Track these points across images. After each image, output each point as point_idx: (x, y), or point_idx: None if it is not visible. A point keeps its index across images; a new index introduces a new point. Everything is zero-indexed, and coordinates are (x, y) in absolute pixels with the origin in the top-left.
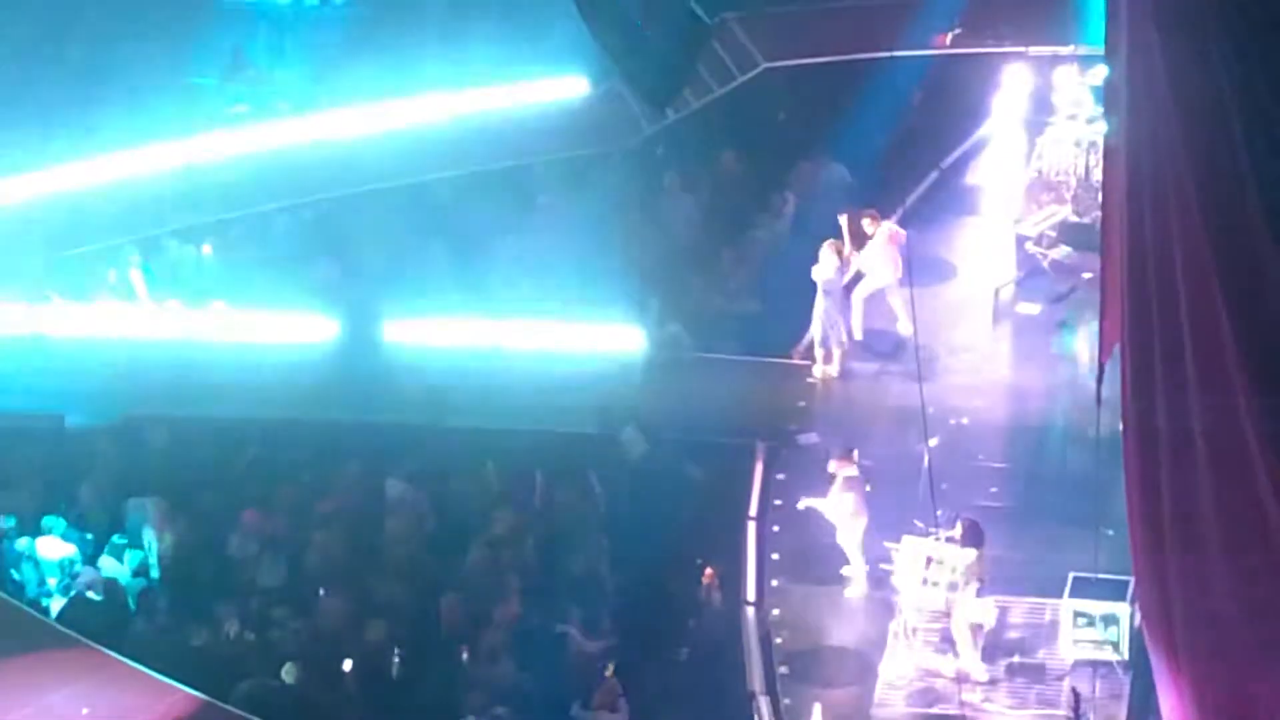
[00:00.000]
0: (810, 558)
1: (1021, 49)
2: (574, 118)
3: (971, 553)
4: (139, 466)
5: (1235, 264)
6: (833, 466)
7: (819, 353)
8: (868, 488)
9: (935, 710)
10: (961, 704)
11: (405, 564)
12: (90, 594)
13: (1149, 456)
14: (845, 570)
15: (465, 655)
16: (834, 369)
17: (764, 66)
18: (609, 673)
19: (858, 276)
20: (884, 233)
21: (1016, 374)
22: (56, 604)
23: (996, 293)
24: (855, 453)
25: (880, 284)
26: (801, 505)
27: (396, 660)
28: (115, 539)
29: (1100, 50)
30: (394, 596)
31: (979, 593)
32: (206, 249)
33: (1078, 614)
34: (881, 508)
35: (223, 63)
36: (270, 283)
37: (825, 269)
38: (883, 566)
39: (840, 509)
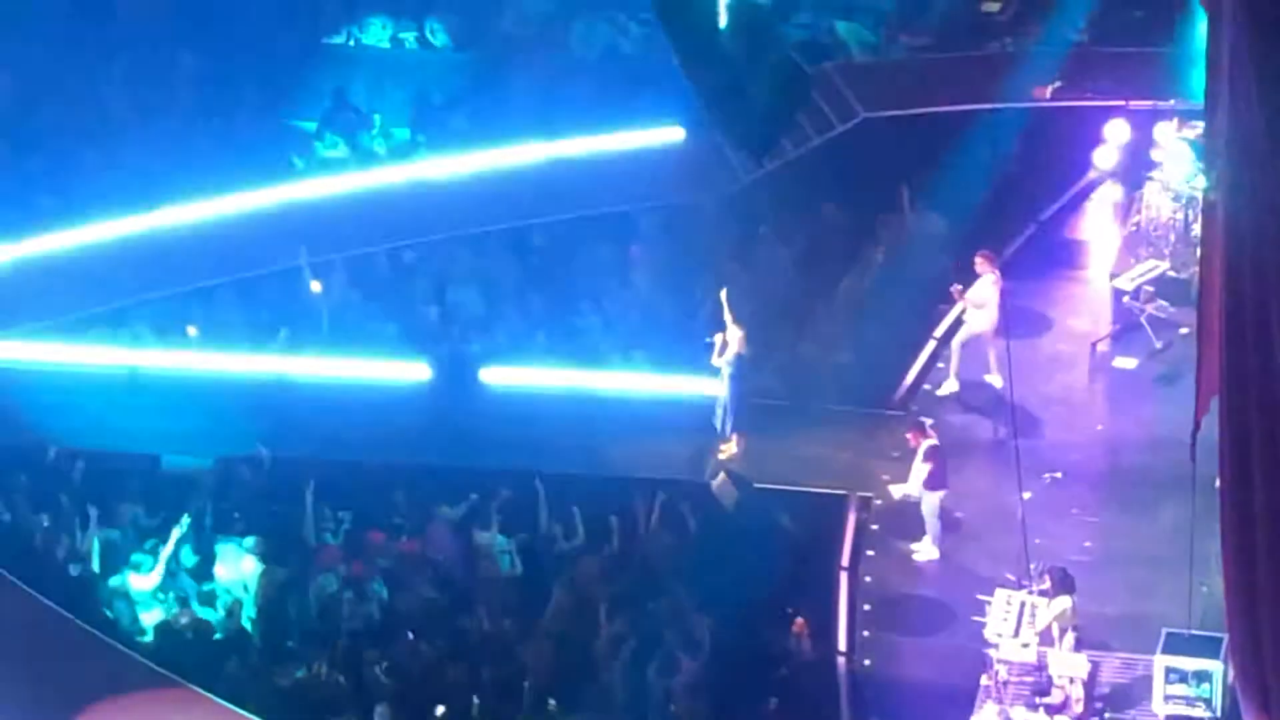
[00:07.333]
0: (902, 608)
1: (1122, 102)
2: (670, 165)
3: (1064, 601)
4: (232, 506)
5: None
6: (911, 440)
7: None
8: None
9: None
10: None
11: (494, 607)
12: (183, 632)
13: (1245, 514)
14: (915, 546)
15: (552, 702)
16: None
17: (863, 116)
18: None
19: (958, 322)
20: (991, 277)
21: (1112, 428)
22: (149, 642)
23: (1093, 346)
24: (929, 422)
25: (979, 329)
26: (895, 492)
27: (477, 702)
28: (208, 577)
29: (1200, 104)
30: (482, 640)
31: (1076, 645)
32: (309, 287)
33: (1170, 670)
34: (974, 560)
35: (322, 105)
36: (366, 325)
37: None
38: (975, 619)
39: (919, 477)
